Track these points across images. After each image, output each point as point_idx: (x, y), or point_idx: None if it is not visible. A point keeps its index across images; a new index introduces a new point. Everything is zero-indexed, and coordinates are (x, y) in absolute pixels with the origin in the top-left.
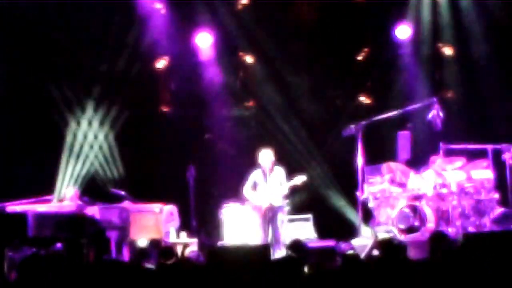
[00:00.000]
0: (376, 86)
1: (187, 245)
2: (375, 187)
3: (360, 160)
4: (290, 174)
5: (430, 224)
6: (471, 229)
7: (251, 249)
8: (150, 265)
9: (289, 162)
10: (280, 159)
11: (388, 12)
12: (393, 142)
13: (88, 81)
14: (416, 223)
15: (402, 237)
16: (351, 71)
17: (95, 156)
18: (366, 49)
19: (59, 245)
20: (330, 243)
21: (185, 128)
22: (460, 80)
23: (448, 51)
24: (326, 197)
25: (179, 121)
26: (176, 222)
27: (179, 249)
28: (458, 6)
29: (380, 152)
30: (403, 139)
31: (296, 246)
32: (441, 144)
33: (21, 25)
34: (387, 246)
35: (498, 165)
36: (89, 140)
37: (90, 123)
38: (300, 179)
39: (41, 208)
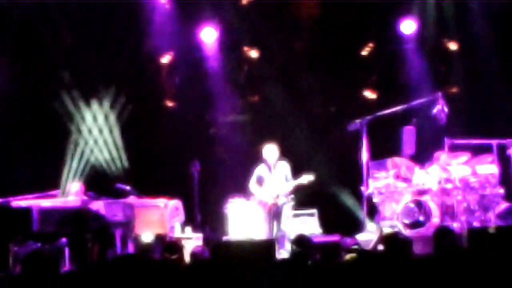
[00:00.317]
0: (380, 81)
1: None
2: (380, 182)
3: (365, 155)
4: (295, 168)
5: (435, 219)
6: (476, 224)
7: (256, 244)
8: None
9: (293, 157)
10: (285, 154)
11: (392, 7)
12: (398, 137)
13: (93, 76)
14: (421, 218)
15: (407, 232)
16: (355, 66)
17: (100, 151)
18: (370, 44)
19: (63, 240)
20: (335, 238)
21: (190, 122)
22: (464, 75)
23: (453, 46)
24: (331, 192)
25: (184, 115)
26: (181, 217)
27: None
28: (463, 1)
29: (385, 147)
30: (408, 134)
31: (301, 241)
32: (445, 139)
33: (24, 19)
34: (392, 241)
35: (503, 160)
36: (94, 135)
37: (95, 118)
38: (306, 178)
39: (46, 203)
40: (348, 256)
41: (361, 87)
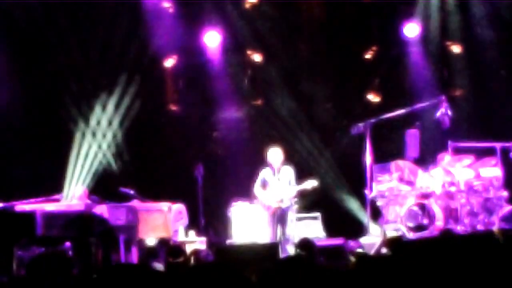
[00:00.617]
0: (384, 84)
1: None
2: (384, 185)
3: (368, 158)
4: (299, 172)
5: (439, 222)
6: (479, 227)
7: (260, 248)
8: (159, 264)
9: (297, 160)
10: (289, 158)
11: (396, 10)
12: (402, 140)
13: (96, 80)
14: (425, 221)
15: (410, 235)
16: (359, 69)
17: (104, 155)
18: (374, 47)
19: (67, 244)
20: (339, 241)
21: (193, 126)
22: (468, 78)
23: (456, 49)
24: (335, 196)
25: (187, 119)
26: (184, 220)
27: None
28: (467, 4)
29: (389, 150)
30: (412, 137)
31: (305, 244)
32: (449, 142)
33: (28, 22)
34: (395, 244)
35: (507, 163)
36: (97, 139)
37: (98, 122)
38: (310, 183)
39: (50, 207)
40: (354, 259)
41: (365, 91)
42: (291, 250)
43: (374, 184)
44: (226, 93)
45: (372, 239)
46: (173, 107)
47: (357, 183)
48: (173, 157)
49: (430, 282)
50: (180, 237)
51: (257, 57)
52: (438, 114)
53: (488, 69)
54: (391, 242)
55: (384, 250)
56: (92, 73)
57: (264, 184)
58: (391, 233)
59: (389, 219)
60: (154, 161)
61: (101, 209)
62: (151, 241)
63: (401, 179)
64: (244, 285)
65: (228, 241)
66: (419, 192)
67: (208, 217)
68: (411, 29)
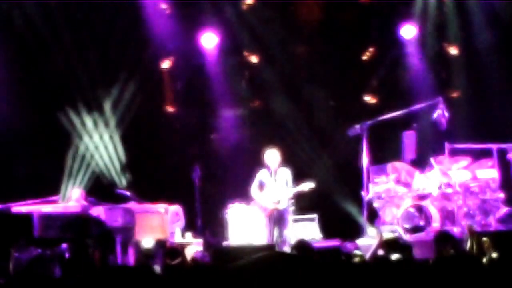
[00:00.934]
0: (381, 85)
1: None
2: (380, 186)
3: (365, 160)
4: (296, 174)
5: (435, 224)
6: (476, 228)
7: (256, 249)
8: (156, 266)
9: (294, 162)
10: (286, 159)
11: (393, 12)
12: (398, 142)
13: (94, 81)
14: (421, 223)
15: (407, 237)
16: (356, 70)
17: (101, 157)
18: (371, 49)
19: (64, 245)
20: (335, 243)
21: (190, 128)
22: (465, 79)
23: (453, 50)
24: (332, 197)
25: (184, 121)
26: (181, 222)
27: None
28: (464, 5)
29: (385, 152)
30: (408, 139)
31: (302, 246)
32: (446, 144)
33: (26, 23)
34: (392, 245)
35: (503, 164)
36: (94, 140)
37: (95, 124)
38: (307, 186)
39: (47, 208)
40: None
41: (362, 92)
42: (288, 251)
43: (371, 186)
44: (224, 94)
45: (369, 241)
46: (171, 109)
47: (354, 184)
48: (170, 158)
49: None
50: (177, 238)
51: (254, 59)
52: (435, 115)
53: (485, 70)
54: (388, 243)
55: (380, 252)
56: (90, 74)
57: (261, 186)
58: (387, 235)
59: (386, 220)
60: (151, 163)
61: (98, 211)
62: (148, 242)
63: (398, 181)
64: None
65: (225, 243)
66: (415, 194)
67: (205, 218)
68: (409, 31)
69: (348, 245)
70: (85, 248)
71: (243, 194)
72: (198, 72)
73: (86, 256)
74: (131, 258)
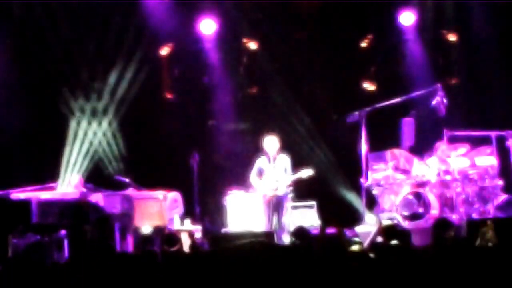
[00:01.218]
0: (380, 72)
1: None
2: (379, 174)
3: (364, 147)
4: (295, 161)
5: (434, 211)
6: (475, 216)
7: (255, 236)
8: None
9: (293, 148)
10: (284, 146)
11: None
12: (397, 128)
13: (92, 68)
14: (420, 210)
15: (406, 224)
16: (354, 57)
17: (99, 143)
18: (370, 36)
19: (63, 232)
20: (332, 230)
21: (189, 114)
22: (464, 66)
23: (452, 37)
24: (330, 184)
25: (183, 107)
26: (180, 209)
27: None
28: None
29: (384, 139)
30: (407, 126)
31: (300, 233)
32: (445, 131)
33: (25, 14)
34: (391, 233)
35: (502, 151)
36: (93, 127)
37: (94, 110)
38: (306, 172)
39: (45, 195)
40: (354, 248)
41: (361, 79)
42: (286, 238)
43: (369, 173)
44: (222, 81)
45: (368, 228)
46: (169, 95)
47: (352, 171)
48: (169, 145)
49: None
50: (176, 225)
51: (252, 45)
52: (434, 102)
53: (484, 57)
54: (386, 231)
55: (379, 239)
56: (88, 61)
57: (260, 173)
58: (386, 222)
59: (385, 207)
60: (150, 149)
61: (97, 197)
62: (146, 229)
63: (396, 168)
64: (239, 273)
65: (223, 230)
66: (414, 181)
67: (204, 205)
68: (407, 18)
69: (347, 232)
70: (83, 234)
71: (242, 181)
72: (196, 58)
73: (84, 243)
74: (129, 245)
